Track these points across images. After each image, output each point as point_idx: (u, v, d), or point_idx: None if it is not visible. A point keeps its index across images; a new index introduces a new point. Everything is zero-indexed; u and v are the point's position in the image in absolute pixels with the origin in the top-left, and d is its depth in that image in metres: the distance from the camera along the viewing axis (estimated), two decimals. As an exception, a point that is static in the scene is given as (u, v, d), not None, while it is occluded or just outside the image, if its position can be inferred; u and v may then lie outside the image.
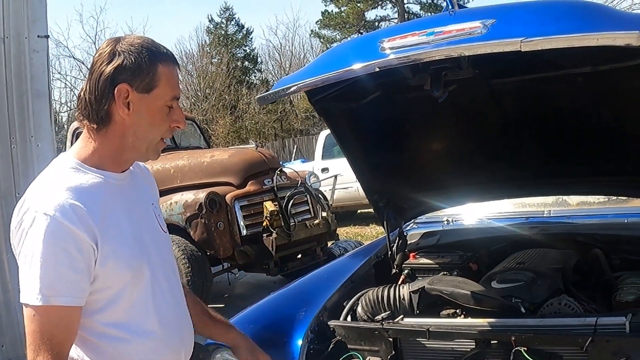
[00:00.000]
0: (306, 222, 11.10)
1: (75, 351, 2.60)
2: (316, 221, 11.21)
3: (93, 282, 2.54)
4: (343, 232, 16.21)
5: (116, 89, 2.57)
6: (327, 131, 20.48)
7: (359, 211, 21.05)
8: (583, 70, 3.87)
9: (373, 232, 17.12)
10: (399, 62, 3.35)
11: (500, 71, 4.00)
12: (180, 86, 2.83)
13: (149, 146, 2.71)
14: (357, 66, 3.43)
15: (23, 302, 2.45)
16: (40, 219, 2.45)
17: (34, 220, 2.46)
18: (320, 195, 11.80)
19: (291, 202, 10.80)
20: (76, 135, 12.26)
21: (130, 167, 2.85)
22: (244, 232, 10.36)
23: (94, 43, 46.04)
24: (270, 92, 3.89)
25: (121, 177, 2.76)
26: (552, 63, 3.78)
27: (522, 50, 2.94)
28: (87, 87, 2.63)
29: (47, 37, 7.77)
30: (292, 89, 3.78)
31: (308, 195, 11.27)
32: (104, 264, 2.54)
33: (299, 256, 11.40)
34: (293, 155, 32.42)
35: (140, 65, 2.58)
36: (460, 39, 3.17)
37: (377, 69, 3.36)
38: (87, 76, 2.71)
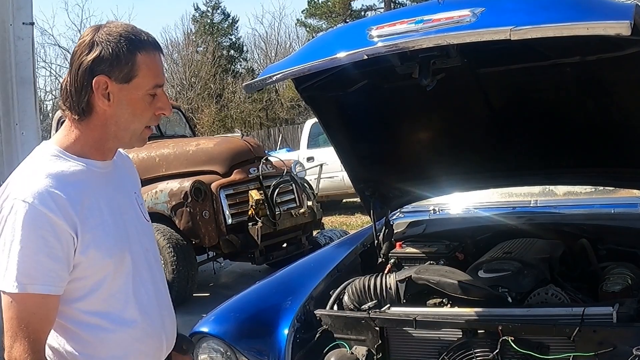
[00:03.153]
0: (291, 211, 11.07)
1: (55, 340, 2.59)
2: (302, 210, 11.19)
3: (73, 270, 2.52)
4: (328, 221, 16.22)
5: (94, 81, 2.53)
6: (313, 120, 20.47)
7: (344, 200, 21.04)
8: (571, 61, 3.87)
9: (358, 222, 17.11)
10: (387, 50, 3.34)
11: (488, 60, 3.99)
12: (166, 75, 2.77)
13: (133, 135, 2.68)
14: (345, 54, 3.42)
15: (1, 289, 2.43)
16: (19, 207, 2.43)
17: (12, 208, 2.44)
18: (305, 184, 11.77)
19: (277, 191, 10.79)
20: (60, 123, 12.06)
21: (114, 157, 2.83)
22: (230, 221, 10.33)
23: (79, 31, 45.91)
24: (257, 79, 3.87)
25: (104, 166, 2.72)
26: (540, 53, 3.78)
27: (511, 38, 2.93)
28: (68, 78, 2.61)
29: (32, 24, 7.69)
30: (278, 77, 3.76)
31: (293, 184, 11.25)
32: (84, 252, 2.51)
33: (284, 245, 11.39)
34: (278, 144, 32.41)
35: (119, 55, 2.53)
36: (449, 27, 3.17)
37: (365, 57, 3.35)
38: (69, 66, 2.68)
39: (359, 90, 4.39)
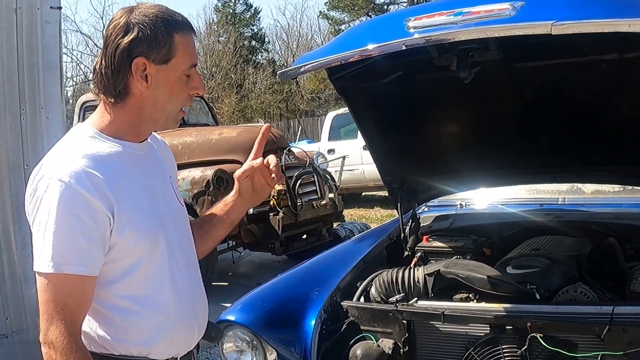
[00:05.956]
0: (313, 202, 11.04)
1: (87, 323, 2.56)
2: (323, 202, 11.15)
3: (109, 251, 2.51)
4: (348, 214, 16.21)
5: (133, 63, 2.52)
6: (335, 112, 20.55)
7: (363, 194, 21.04)
8: (607, 57, 3.85)
9: (378, 215, 17.13)
10: (425, 41, 3.33)
11: (525, 55, 3.97)
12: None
13: (169, 116, 2.68)
14: (382, 44, 3.41)
15: (36, 270, 2.42)
16: (54, 186, 2.40)
17: (47, 187, 2.42)
18: (328, 176, 11.76)
19: (299, 182, 10.76)
20: (84, 109, 12.17)
21: (148, 139, 2.82)
22: (251, 210, 10.27)
23: (102, 18, 46.18)
24: (291, 67, 3.87)
25: (139, 147, 2.71)
26: (578, 49, 3.75)
27: (552, 33, 2.91)
28: (103, 61, 2.58)
29: (59, 8, 7.68)
30: (314, 65, 3.75)
31: (316, 176, 11.21)
32: (120, 233, 2.50)
33: (304, 236, 11.38)
34: (298, 136, 32.41)
35: (157, 36, 2.52)
36: (489, 20, 3.15)
37: (404, 47, 3.33)
38: (101, 49, 2.65)
39: (392, 82, 4.37)
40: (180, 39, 2.57)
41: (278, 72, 4.07)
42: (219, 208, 3.16)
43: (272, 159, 3.05)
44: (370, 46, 3.46)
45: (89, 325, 2.58)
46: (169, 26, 2.56)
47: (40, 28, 7.39)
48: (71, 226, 2.40)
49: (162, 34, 2.54)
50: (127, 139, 2.65)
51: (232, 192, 3.11)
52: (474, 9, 3.22)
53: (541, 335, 3.46)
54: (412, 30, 3.35)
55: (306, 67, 3.76)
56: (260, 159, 3.04)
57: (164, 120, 2.68)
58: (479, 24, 3.16)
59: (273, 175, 3.04)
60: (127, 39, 2.52)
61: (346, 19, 51.24)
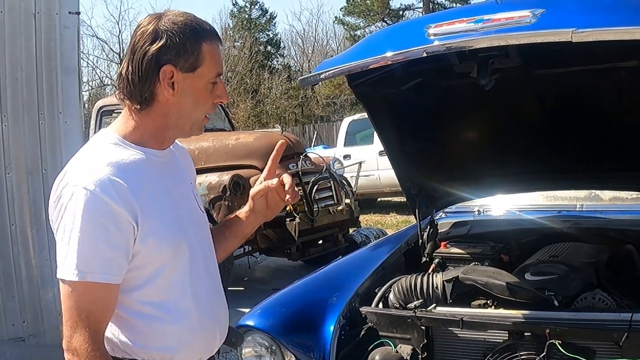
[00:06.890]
0: (329, 208, 11.06)
1: (109, 329, 2.57)
2: (339, 207, 11.17)
3: (132, 258, 2.51)
4: (363, 219, 16.18)
5: (161, 71, 2.52)
6: (351, 118, 20.59)
7: (378, 199, 21.04)
8: (627, 65, 3.84)
9: (393, 221, 17.11)
10: (446, 48, 3.33)
11: (545, 62, 3.97)
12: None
13: (194, 124, 2.69)
14: (404, 51, 3.41)
15: (60, 278, 2.42)
16: (79, 194, 2.40)
17: (72, 195, 2.41)
18: (344, 182, 11.76)
19: (315, 187, 10.77)
20: (101, 113, 12.22)
21: (170, 146, 2.83)
22: (267, 215, 10.30)
23: (117, 23, 46.35)
24: (312, 73, 3.87)
25: (162, 155, 2.72)
26: (598, 56, 3.75)
27: (573, 41, 2.91)
28: (129, 67, 2.57)
29: (78, 13, 7.72)
30: (334, 72, 3.76)
31: (332, 181, 11.24)
32: (143, 241, 2.50)
33: (320, 242, 11.42)
34: (313, 141, 32.39)
35: (185, 44, 2.53)
36: (509, 28, 3.15)
37: (425, 54, 3.34)
38: (127, 55, 2.64)
39: (411, 88, 4.39)
40: (207, 47, 2.58)
41: (299, 79, 4.08)
42: (232, 221, 3.19)
43: (287, 178, 3.05)
44: (391, 53, 3.47)
45: (112, 331, 2.59)
46: (197, 35, 2.56)
47: (59, 33, 7.44)
48: (96, 234, 2.40)
49: (191, 42, 2.54)
50: (150, 146, 2.66)
51: (246, 208, 3.14)
52: (495, 16, 3.23)
53: (560, 342, 3.45)
54: (432, 38, 3.36)
55: (327, 73, 3.77)
56: (276, 180, 3.03)
57: (189, 127, 2.69)
58: (500, 31, 3.16)
59: (288, 197, 3.04)
60: (155, 46, 2.52)
61: (362, 24, 51.25)
